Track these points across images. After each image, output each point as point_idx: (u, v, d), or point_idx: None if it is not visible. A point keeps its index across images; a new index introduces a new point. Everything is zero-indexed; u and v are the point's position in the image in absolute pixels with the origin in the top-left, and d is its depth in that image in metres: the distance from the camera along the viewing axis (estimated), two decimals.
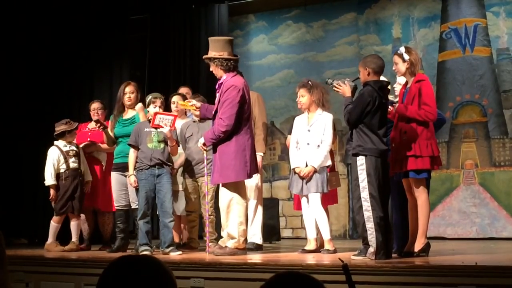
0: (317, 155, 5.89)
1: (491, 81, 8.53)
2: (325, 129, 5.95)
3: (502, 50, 8.56)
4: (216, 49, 5.73)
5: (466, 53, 8.68)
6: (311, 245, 5.92)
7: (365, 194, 4.92)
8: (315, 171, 5.85)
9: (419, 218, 5.22)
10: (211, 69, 5.83)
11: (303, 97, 6.03)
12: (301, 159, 5.95)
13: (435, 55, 8.83)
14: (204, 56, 5.85)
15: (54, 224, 6.76)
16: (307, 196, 5.93)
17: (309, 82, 6.08)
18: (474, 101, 8.58)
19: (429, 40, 8.90)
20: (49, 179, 6.70)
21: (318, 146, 5.92)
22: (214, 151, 5.65)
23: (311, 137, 5.95)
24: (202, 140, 5.72)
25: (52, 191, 6.72)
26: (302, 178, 5.89)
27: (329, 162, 5.97)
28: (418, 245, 5.20)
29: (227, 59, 5.70)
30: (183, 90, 7.21)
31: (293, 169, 5.99)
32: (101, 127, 6.60)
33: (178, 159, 6.55)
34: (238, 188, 5.65)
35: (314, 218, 5.92)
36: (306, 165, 5.89)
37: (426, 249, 5.22)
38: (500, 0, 8.59)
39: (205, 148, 5.72)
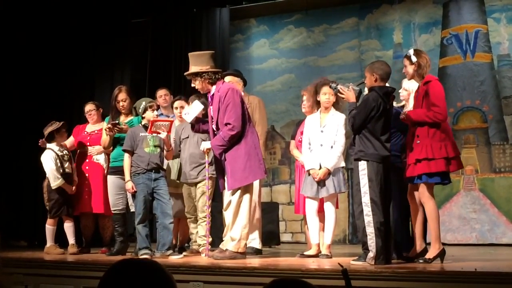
0: (330, 156, 5.73)
1: (492, 87, 8.53)
2: (337, 129, 5.79)
3: (503, 56, 8.56)
4: (201, 63, 5.67)
5: (467, 59, 8.68)
6: (312, 249, 5.87)
7: (366, 199, 4.92)
8: (329, 173, 5.72)
9: (429, 225, 5.13)
10: (193, 85, 5.73)
11: (332, 96, 5.76)
12: (315, 160, 5.78)
13: (436, 61, 8.82)
14: (188, 72, 5.74)
15: (49, 227, 6.75)
16: (322, 200, 5.80)
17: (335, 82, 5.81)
18: (474, 107, 8.58)
19: (430, 46, 8.89)
20: (57, 180, 6.62)
21: (331, 147, 5.77)
22: (223, 157, 5.59)
23: (324, 138, 5.79)
24: (207, 145, 5.70)
25: (68, 188, 6.67)
26: (317, 180, 5.73)
27: (343, 163, 5.84)
28: (432, 252, 5.07)
29: (215, 72, 5.69)
30: (161, 92, 7.08)
31: (307, 171, 5.82)
32: (117, 130, 6.45)
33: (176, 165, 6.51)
34: (248, 190, 5.64)
35: (318, 223, 5.83)
36: (320, 167, 5.73)
37: (441, 256, 5.08)
38: (501, 6, 8.60)
39: (207, 151, 5.73)
